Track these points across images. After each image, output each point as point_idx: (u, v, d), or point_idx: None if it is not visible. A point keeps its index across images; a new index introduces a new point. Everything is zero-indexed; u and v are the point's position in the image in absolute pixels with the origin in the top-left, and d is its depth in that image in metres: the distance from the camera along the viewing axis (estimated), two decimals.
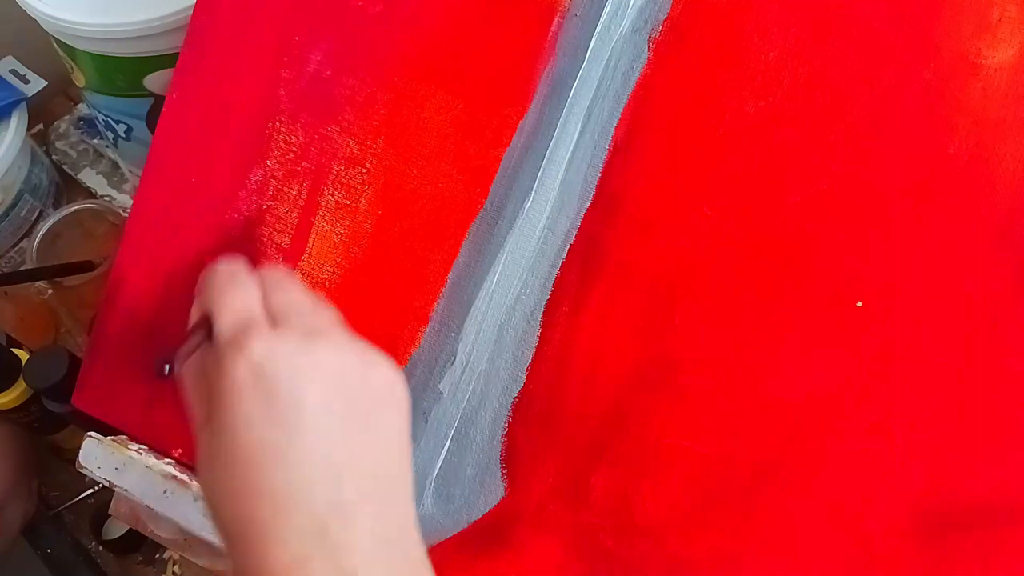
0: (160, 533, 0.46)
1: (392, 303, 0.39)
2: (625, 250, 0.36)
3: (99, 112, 0.59)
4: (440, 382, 0.38)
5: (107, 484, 0.40)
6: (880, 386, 0.34)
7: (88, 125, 0.72)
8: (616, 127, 0.36)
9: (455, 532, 0.39)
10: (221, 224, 0.40)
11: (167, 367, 0.29)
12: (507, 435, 0.38)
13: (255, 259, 0.40)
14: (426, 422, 0.38)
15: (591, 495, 0.37)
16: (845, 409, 0.34)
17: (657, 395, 0.36)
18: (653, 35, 0.35)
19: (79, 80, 0.57)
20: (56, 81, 0.67)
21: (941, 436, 0.34)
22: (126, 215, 0.56)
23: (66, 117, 0.73)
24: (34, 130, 0.71)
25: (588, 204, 0.36)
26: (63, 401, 0.48)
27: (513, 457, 0.38)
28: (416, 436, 0.38)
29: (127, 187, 0.69)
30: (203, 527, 0.40)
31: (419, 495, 0.39)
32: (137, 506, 0.45)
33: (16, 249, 0.67)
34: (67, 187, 0.72)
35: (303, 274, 0.40)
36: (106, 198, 0.69)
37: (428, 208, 0.38)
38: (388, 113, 0.38)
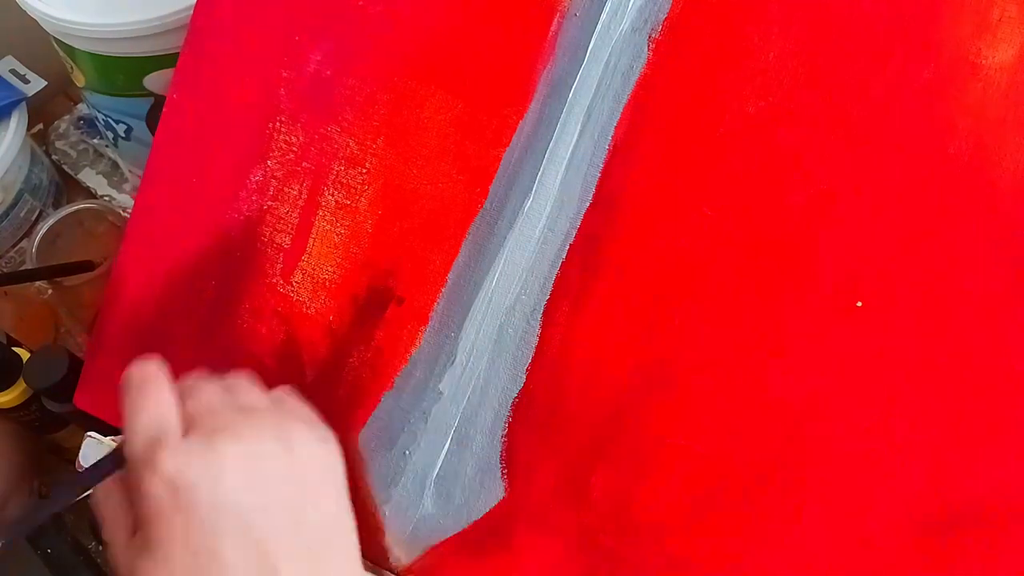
0: None
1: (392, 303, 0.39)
2: (625, 250, 0.36)
3: (99, 112, 0.59)
4: (440, 382, 0.38)
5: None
6: (880, 386, 0.34)
7: (88, 125, 0.72)
8: (616, 127, 0.36)
9: (455, 532, 0.39)
10: (221, 224, 0.40)
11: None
12: (507, 435, 0.38)
13: (255, 259, 0.40)
14: (426, 422, 0.38)
15: (591, 495, 0.37)
16: (845, 409, 0.34)
17: (657, 395, 0.36)
18: (653, 35, 0.35)
19: (79, 80, 0.57)
20: (56, 81, 0.67)
21: (941, 436, 0.34)
22: (126, 215, 0.56)
23: (66, 117, 0.73)
24: (34, 130, 0.71)
25: (588, 204, 0.36)
26: (63, 401, 0.48)
27: (513, 457, 0.38)
28: (416, 436, 0.38)
29: (127, 187, 0.69)
30: None
31: (419, 495, 0.39)
32: None
33: (16, 249, 0.67)
34: (67, 187, 0.71)
35: (303, 274, 0.40)
36: (106, 198, 0.69)
37: (428, 208, 0.38)
38: (388, 113, 0.38)
